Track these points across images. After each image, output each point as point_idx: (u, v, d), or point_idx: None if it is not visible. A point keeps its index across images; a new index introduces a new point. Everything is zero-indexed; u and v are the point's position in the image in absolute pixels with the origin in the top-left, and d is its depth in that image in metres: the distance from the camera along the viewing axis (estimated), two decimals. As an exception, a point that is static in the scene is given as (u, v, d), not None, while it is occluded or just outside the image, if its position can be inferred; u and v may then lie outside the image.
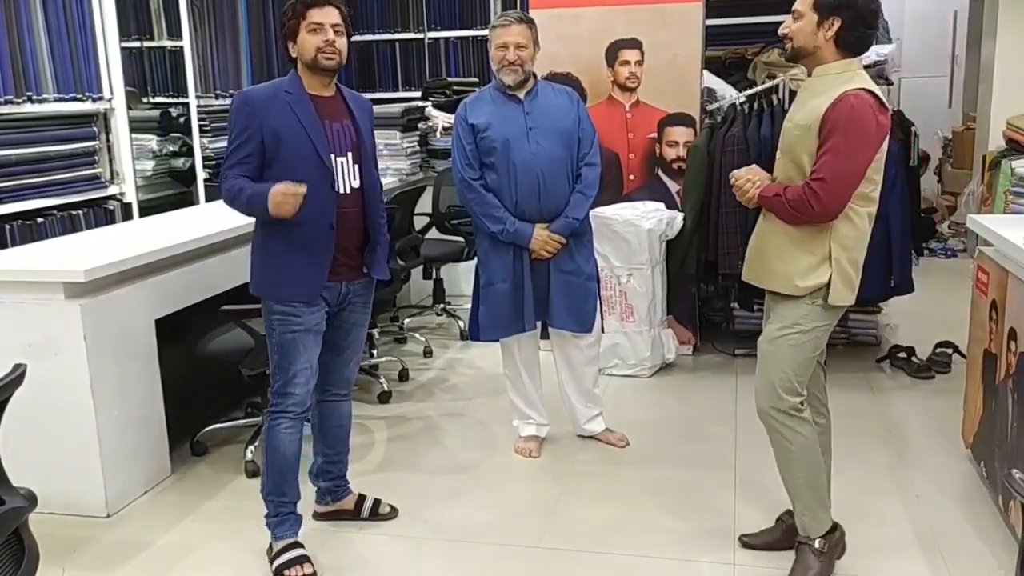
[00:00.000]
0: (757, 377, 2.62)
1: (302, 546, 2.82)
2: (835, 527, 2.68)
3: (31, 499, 1.84)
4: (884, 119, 2.41)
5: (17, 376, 1.77)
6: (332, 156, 2.73)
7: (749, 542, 2.91)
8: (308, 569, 2.76)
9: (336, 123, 2.76)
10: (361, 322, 2.97)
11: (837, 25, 2.41)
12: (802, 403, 2.57)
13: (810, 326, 2.52)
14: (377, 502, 3.15)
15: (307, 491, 3.05)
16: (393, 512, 3.16)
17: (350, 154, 2.77)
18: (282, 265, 2.72)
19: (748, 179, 2.59)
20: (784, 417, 2.56)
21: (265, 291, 2.76)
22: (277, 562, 2.77)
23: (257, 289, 2.79)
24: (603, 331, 3.71)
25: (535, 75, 3.46)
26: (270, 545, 2.84)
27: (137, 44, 5.81)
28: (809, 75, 2.57)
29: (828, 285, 2.48)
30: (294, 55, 2.71)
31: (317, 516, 3.13)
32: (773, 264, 2.58)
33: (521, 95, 3.39)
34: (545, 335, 3.67)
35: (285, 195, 2.57)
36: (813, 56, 2.48)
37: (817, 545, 2.63)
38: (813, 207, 2.40)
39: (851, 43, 2.44)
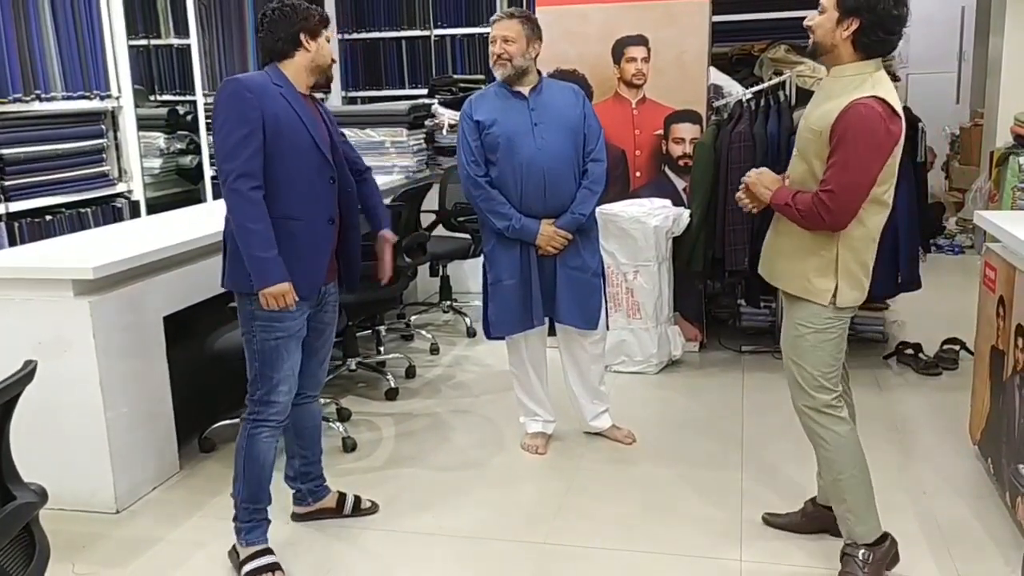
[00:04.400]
0: (787, 377, 2.64)
1: (272, 552, 2.78)
2: (884, 536, 2.60)
3: (42, 495, 1.85)
4: (895, 127, 2.37)
5: (28, 372, 1.78)
6: (328, 150, 2.73)
7: (772, 521, 2.95)
8: None
9: (317, 121, 2.74)
10: (333, 322, 2.94)
11: (855, 26, 2.37)
12: (836, 399, 2.57)
13: (823, 326, 2.53)
14: (358, 498, 3.16)
15: (282, 502, 3.05)
16: (374, 507, 3.16)
17: (329, 151, 2.75)
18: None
19: (759, 180, 2.58)
20: (817, 415, 2.57)
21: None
22: (247, 568, 2.72)
23: (242, 285, 2.65)
24: (608, 328, 3.70)
25: (540, 72, 3.45)
26: (233, 548, 2.80)
27: (144, 42, 5.83)
28: (828, 73, 2.54)
29: (836, 289, 2.48)
30: (309, 49, 2.67)
31: (297, 518, 3.09)
32: (784, 263, 2.59)
33: (526, 91, 3.39)
34: (552, 332, 3.68)
35: (283, 298, 2.56)
36: (831, 54, 2.46)
37: (861, 556, 2.54)
38: (823, 217, 2.40)
39: (868, 46, 2.40)
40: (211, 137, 5.16)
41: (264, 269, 2.56)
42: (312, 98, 2.78)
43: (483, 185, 3.39)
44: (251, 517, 2.77)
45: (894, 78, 5.07)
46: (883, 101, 2.35)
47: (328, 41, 2.73)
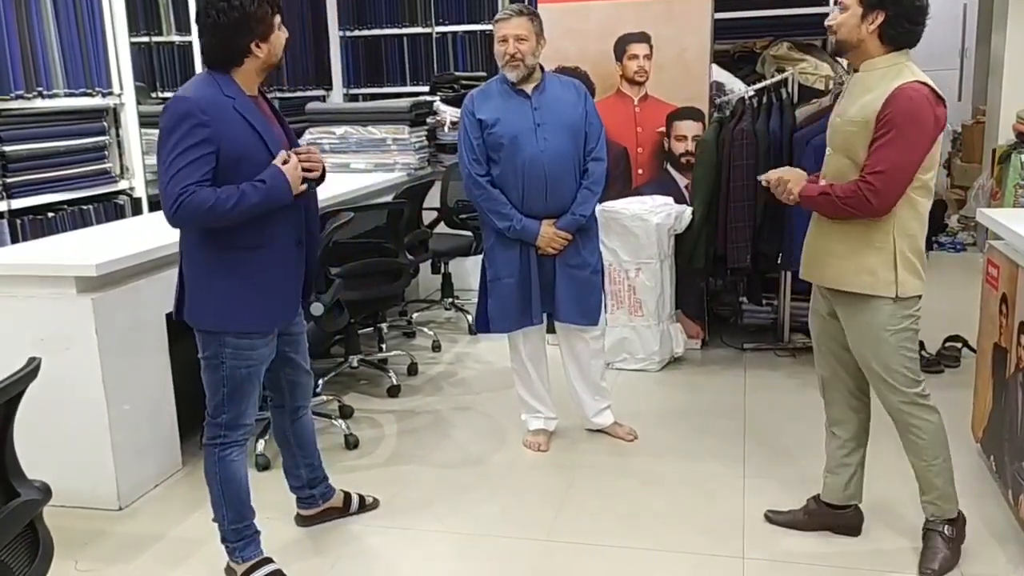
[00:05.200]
0: (872, 382, 2.65)
1: (271, 560, 2.71)
2: (960, 515, 2.70)
3: (46, 492, 1.85)
4: (941, 112, 2.40)
5: (32, 369, 1.78)
6: None
7: (774, 518, 2.96)
8: None
9: (273, 127, 2.52)
10: (303, 329, 2.84)
11: (881, 19, 2.39)
12: (923, 388, 2.60)
13: (897, 326, 2.53)
14: (361, 496, 3.16)
15: (284, 502, 3.05)
16: (375, 502, 3.18)
17: None
18: (251, 292, 2.48)
19: (781, 178, 2.59)
20: (912, 407, 2.59)
21: (227, 323, 2.48)
22: None
23: (211, 323, 2.48)
24: (607, 324, 3.70)
25: (542, 68, 3.44)
26: (228, 567, 2.70)
27: (146, 39, 5.83)
28: (856, 70, 2.55)
29: (896, 280, 2.48)
30: (259, 55, 2.41)
31: (302, 521, 3.06)
32: (836, 263, 2.57)
33: (528, 89, 3.38)
34: (552, 329, 3.68)
35: (297, 170, 2.41)
36: (858, 50, 2.47)
37: (946, 531, 2.66)
38: (870, 201, 2.40)
39: (895, 38, 2.42)
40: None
41: (275, 192, 2.38)
42: (263, 97, 2.57)
43: (484, 185, 3.39)
44: (240, 536, 2.68)
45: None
46: (928, 85, 2.38)
47: (281, 29, 2.46)
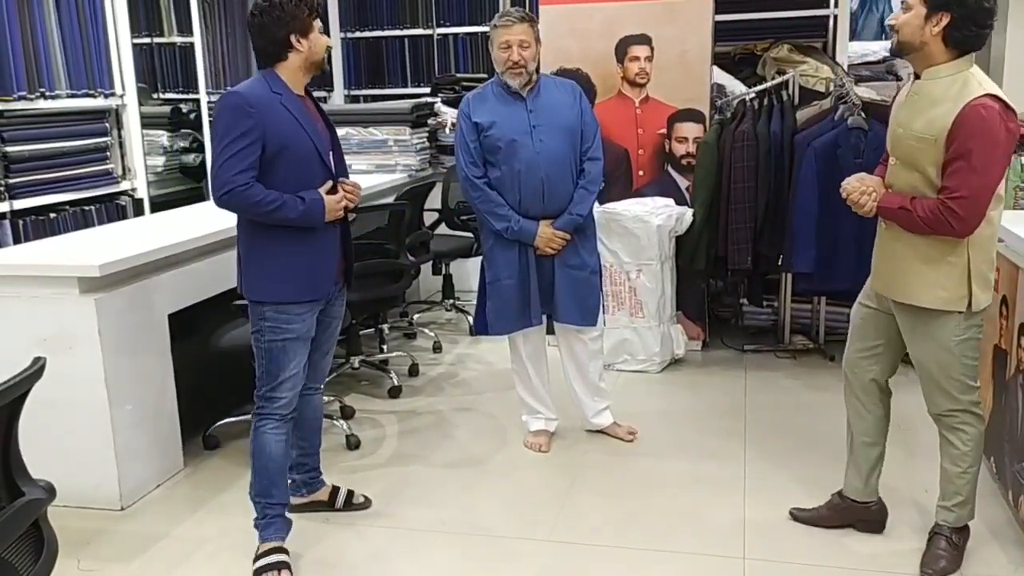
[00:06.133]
0: (926, 387, 2.62)
1: (285, 551, 2.79)
2: (967, 526, 2.72)
3: (50, 491, 1.86)
4: (1013, 125, 2.33)
5: (36, 370, 1.79)
6: (329, 155, 2.75)
7: (798, 515, 2.97)
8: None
9: (316, 123, 2.74)
10: (339, 317, 2.99)
11: (946, 21, 2.32)
12: (978, 395, 2.59)
13: (962, 335, 2.50)
14: (351, 493, 3.17)
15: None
16: (367, 502, 3.18)
17: (331, 153, 2.78)
18: (292, 266, 2.69)
19: (862, 191, 2.53)
20: (962, 415, 2.58)
21: (270, 293, 2.69)
22: (257, 564, 2.74)
23: (257, 293, 2.71)
24: (607, 325, 3.71)
25: (537, 71, 3.43)
26: (258, 546, 2.81)
27: (148, 40, 5.85)
28: (917, 76, 2.48)
29: (969, 294, 2.45)
30: (301, 49, 2.64)
31: (291, 508, 3.06)
32: (905, 276, 2.52)
33: (524, 92, 3.38)
34: (551, 330, 3.69)
35: (339, 204, 2.68)
36: (920, 52, 2.40)
37: (953, 538, 2.67)
38: (953, 225, 2.36)
39: (960, 41, 2.34)
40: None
41: (310, 217, 2.64)
42: (311, 97, 2.79)
43: (481, 187, 3.40)
44: (264, 512, 2.80)
45: (896, 78, 5.09)
46: (998, 99, 2.31)
47: (323, 33, 2.70)
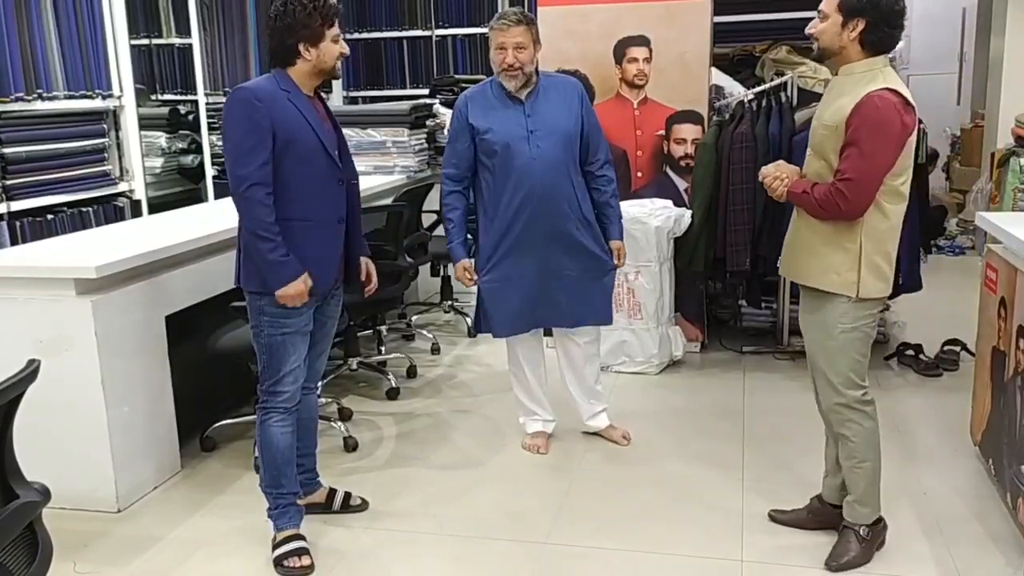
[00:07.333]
0: (814, 378, 2.72)
1: (303, 538, 2.85)
2: (880, 520, 2.76)
3: (45, 494, 1.85)
4: (909, 119, 2.45)
5: (30, 372, 1.78)
6: (336, 152, 2.78)
7: (777, 517, 3.00)
8: (306, 560, 2.79)
9: (324, 123, 2.78)
10: (335, 316, 3.01)
11: (861, 26, 2.45)
12: (865, 395, 2.64)
13: (850, 324, 2.58)
14: (348, 495, 3.17)
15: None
16: (364, 504, 3.18)
17: (337, 152, 2.80)
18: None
19: (776, 176, 2.66)
20: (848, 411, 2.64)
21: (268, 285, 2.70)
22: (276, 552, 2.81)
23: (255, 284, 2.72)
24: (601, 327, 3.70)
25: (537, 71, 3.39)
26: (274, 536, 2.86)
27: (146, 41, 5.84)
28: (835, 74, 2.60)
29: (858, 280, 2.53)
30: (308, 58, 2.67)
31: None
32: (806, 259, 2.64)
33: (523, 96, 3.35)
34: (549, 332, 3.68)
35: (299, 295, 2.65)
36: (839, 56, 2.53)
37: (862, 532, 2.72)
38: (840, 206, 2.46)
39: (875, 43, 2.48)
40: (220, 141, 5.14)
41: (278, 272, 2.64)
42: (319, 98, 2.82)
43: (450, 191, 3.44)
44: (276, 503, 2.85)
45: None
46: (897, 93, 2.43)
47: (335, 40, 2.70)
